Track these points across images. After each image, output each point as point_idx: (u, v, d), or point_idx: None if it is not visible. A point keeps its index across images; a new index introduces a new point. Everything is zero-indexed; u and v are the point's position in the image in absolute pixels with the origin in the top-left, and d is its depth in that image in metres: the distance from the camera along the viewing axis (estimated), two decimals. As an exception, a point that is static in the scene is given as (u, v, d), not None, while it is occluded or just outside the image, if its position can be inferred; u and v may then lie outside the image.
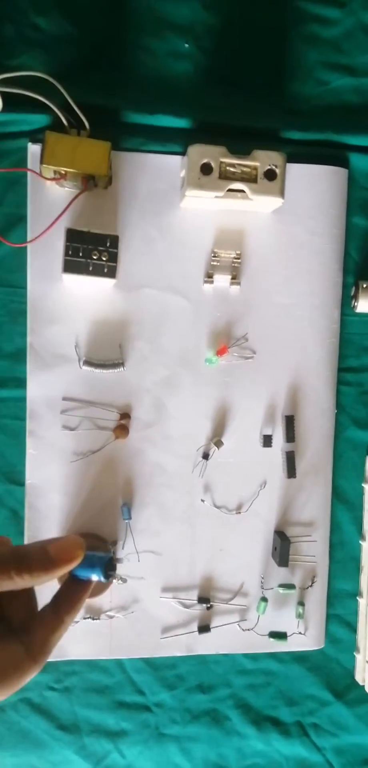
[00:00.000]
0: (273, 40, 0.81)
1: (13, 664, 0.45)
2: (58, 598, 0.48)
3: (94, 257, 0.73)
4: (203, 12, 0.79)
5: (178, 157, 0.77)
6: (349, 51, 0.82)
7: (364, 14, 0.83)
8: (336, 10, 0.82)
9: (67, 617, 0.48)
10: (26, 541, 0.76)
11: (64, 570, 0.45)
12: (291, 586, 0.81)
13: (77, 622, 0.78)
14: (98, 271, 0.73)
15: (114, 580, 0.77)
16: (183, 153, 0.77)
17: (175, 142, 0.77)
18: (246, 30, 0.81)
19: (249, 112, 0.79)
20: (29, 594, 0.49)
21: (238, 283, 0.79)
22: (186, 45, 0.79)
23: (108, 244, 0.73)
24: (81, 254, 0.72)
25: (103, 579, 0.49)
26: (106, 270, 0.73)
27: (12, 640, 0.45)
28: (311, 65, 0.82)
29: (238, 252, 0.79)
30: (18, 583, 0.43)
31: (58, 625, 0.47)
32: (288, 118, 0.80)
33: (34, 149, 0.74)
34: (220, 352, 0.79)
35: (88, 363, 0.77)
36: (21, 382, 0.76)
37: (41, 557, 0.44)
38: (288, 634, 0.82)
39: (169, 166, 0.78)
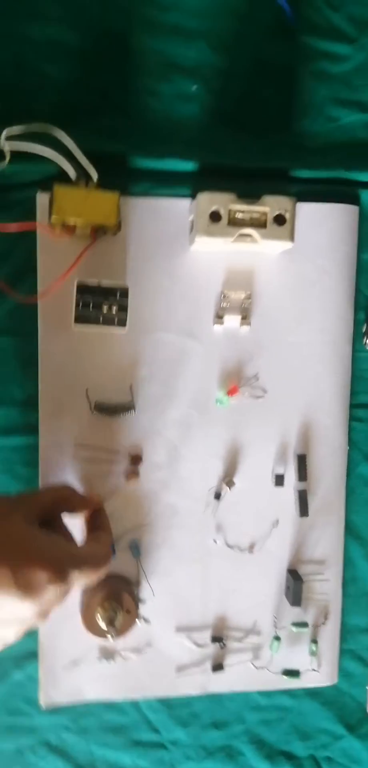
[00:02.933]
0: (281, 78, 0.76)
1: (97, 554, 0.63)
2: (96, 523, 0.70)
3: (105, 309, 0.69)
4: (210, 53, 0.74)
5: (186, 201, 0.73)
6: (360, 87, 0.77)
7: (375, 49, 0.78)
8: (346, 46, 0.76)
9: (107, 531, 0.70)
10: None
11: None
12: (304, 625, 0.78)
13: (92, 664, 0.75)
14: (109, 321, 0.70)
15: (136, 620, 0.74)
16: (192, 196, 0.72)
17: (184, 185, 0.73)
18: (255, 69, 0.75)
19: (258, 153, 0.74)
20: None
21: (249, 323, 0.74)
22: (194, 87, 0.74)
23: (118, 296, 0.69)
24: (91, 306, 0.69)
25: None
26: (116, 320, 0.70)
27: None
28: (321, 102, 0.76)
29: (248, 292, 0.74)
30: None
31: (106, 535, 0.69)
32: (298, 157, 0.75)
33: (42, 199, 0.69)
34: (231, 392, 0.74)
35: (99, 408, 0.73)
36: (33, 429, 0.72)
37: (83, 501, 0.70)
38: (301, 671, 0.79)
39: (178, 209, 0.73)
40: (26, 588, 0.51)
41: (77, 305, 0.69)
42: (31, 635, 0.73)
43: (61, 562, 0.55)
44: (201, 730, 0.80)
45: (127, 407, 0.73)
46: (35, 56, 0.71)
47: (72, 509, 0.67)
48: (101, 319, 0.69)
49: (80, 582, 0.58)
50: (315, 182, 0.75)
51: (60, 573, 0.54)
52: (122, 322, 0.70)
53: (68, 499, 0.67)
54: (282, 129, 0.76)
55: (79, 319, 0.69)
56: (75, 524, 0.67)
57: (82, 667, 0.75)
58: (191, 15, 0.74)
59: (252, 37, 0.75)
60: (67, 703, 0.75)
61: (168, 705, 0.79)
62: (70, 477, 0.73)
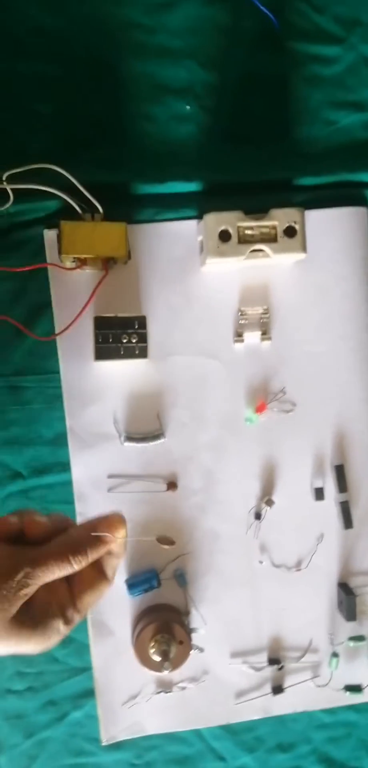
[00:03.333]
0: (275, 87, 0.75)
1: (101, 593, 0.53)
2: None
3: (124, 340, 0.70)
4: (201, 71, 0.74)
5: (193, 222, 0.73)
6: (354, 87, 0.75)
7: (364, 47, 0.76)
8: (335, 47, 0.75)
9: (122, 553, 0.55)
10: (89, 624, 0.73)
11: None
12: (361, 638, 0.75)
13: (150, 698, 0.74)
14: (130, 354, 0.70)
15: (191, 651, 0.73)
16: (198, 216, 0.72)
17: (189, 206, 0.73)
18: (247, 82, 0.75)
19: (260, 165, 0.74)
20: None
21: (269, 338, 0.73)
22: (188, 107, 0.74)
23: (136, 326, 0.70)
24: (111, 340, 0.69)
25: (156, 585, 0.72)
26: (137, 352, 0.70)
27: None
28: (317, 107, 0.75)
29: (265, 307, 0.73)
30: (76, 568, 0.50)
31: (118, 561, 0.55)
32: (300, 165, 0.74)
33: (50, 235, 0.70)
34: (259, 409, 0.73)
35: (128, 438, 0.73)
36: (65, 466, 0.73)
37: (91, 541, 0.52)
38: (363, 686, 0.76)
39: (186, 231, 0.73)
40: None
41: (97, 340, 0.69)
42: (86, 673, 0.74)
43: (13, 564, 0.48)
44: (267, 754, 0.78)
45: (157, 435, 0.73)
46: (25, 94, 0.72)
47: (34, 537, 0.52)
48: (122, 352, 0.70)
49: (47, 576, 0.49)
50: (320, 188, 0.74)
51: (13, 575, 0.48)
52: (143, 353, 0.70)
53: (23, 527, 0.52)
54: (281, 139, 0.75)
55: (100, 354, 0.69)
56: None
57: (140, 701, 0.74)
58: (177, 35, 0.74)
59: (241, 49, 0.75)
60: (128, 738, 0.75)
61: (231, 731, 0.77)
62: (107, 509, 0.72)
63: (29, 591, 0.48)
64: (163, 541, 0.67)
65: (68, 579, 0.51)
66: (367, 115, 0.76)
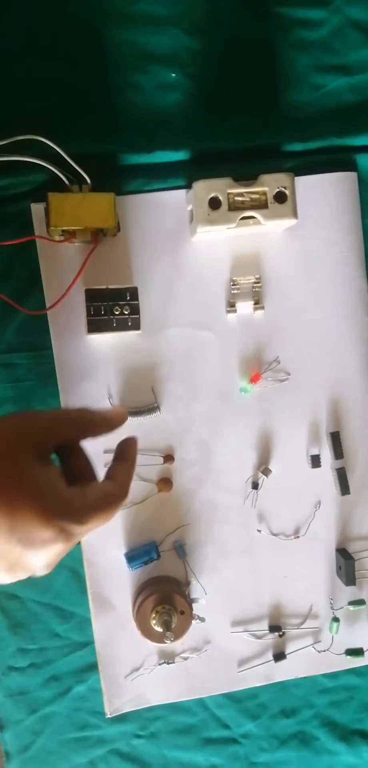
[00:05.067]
0: (260, 53, 0.73)
1: (112, 496, 0.51)
2: (120, 449, 0.57)
3: (116, 312, 0.67)
4: (185, 38, 0.72)
5: (182, 191, 0.70)
6: (340, 50, 0.73)
7: (350, 9, 0.73)
8: (320, 11, 0.73)
9: (133, 460, 0.56)
10: (90, 598, 0.71)
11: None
12: (361, 602, 0.74)
13: (153, 668, 0.73)
14: (122, 326, 0.68)
15: (192, 620, 0.72)
16: (187, 186, 0.70)
17: (177, 176, 0.70)
18: (232, 48, 0.72)
19: (248, 132, 0.71)
20: (86, 454, 0.56)
21: (262, 308, 0.71)
22: (173, 75, 0.72)
23: (128, 297, 0.68)
24: (103, 312, 0.67)
25: (155, 557, 0.71)
26: (130, 323, 0.68)
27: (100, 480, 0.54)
28: (304, 71, 0.73)
29: (257, 276, 0.71)
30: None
31: (128, 466, 0.56)
32: (289, 131, 0.72)
33: (37, 209, 0.68)
34: (254, 380, 0.71)
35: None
36: (60, 444, 0.71)
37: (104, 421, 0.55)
38: (364, 649, 0.75)
39: (175, 201, 0.70)
40: (26, 543, 0.46)
41: (88, 312, 0.67)
42: (88, 648, 0.73)
43: (65, 519, 0.47)
44: (271, 720, 0.77)
45: (152, 408, 0.71)
46: (8, 65, 0.70)
47: (93, 434, 0.55)
48: (114, 324, 0.68)
49: (86, 533, 0.51)
50: (309, 154, 0.72)
51: (63, 533, 0.47)
52: (136, 325, 0.68)
53: (87, 424, 0.55)
54: (269, 105, 0.73)
55: (92, 327, 0.67)
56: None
57: (143, 673, 0.73)
58: (161, 2, 0.71)
59: (225, 15, 0.72)
60: (132, 710, 0.74)
61: (235, 699, 0.76)
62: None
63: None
64: (167, 459, 0.71)
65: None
66: (354, 79, 0.74)
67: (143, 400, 0.71)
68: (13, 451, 0.47)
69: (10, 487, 0.46)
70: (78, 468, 0.53)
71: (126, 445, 0.58)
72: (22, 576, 0.49)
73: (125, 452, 0.57)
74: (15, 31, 0.70)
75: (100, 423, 0.56)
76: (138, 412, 0.71)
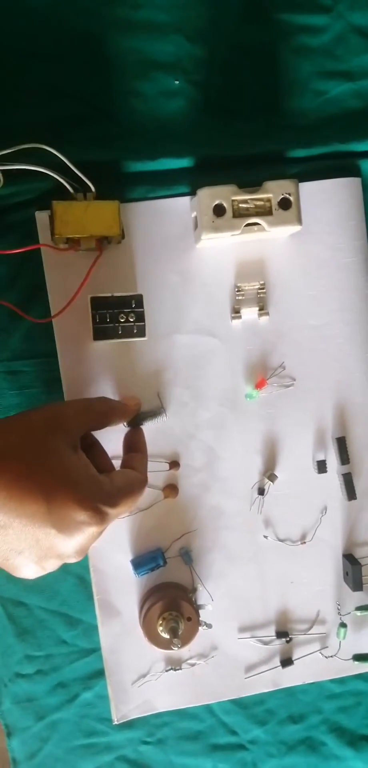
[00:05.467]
0: (263, 59, 0.72)
1: (136, 481, 0.58)
2: (131, 444, 0.64)
3: (122, 320, 0.67)
4: (188, 45, 0.71)
5: (186, 198, 0.70)
6: (343, 56, 0.72)
7: (352, 15, 0.73)
8: (323, 17, 0.72)
9: (145, 450, 0.64)
10: (97, 605, 0.71)
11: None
12: (368, 608, 0.74)
13: (160, 674, 0.73)
14: (128, 333, 0.68)
15: (199, 627, 0.71)
16: (191, 193, 0.69)
17: (182, 183, 0.70)
18: (235, 55, 0.72)
19: (251, 139, 0.71)
20: (101, 447, 0.61)
21: (267, 314, 0.71)
22: (177, 82, 0.71)
23: (133, 305, 0.67)
24: (108, 320, 0.67)
25: (162, 563, 0.71)
26: (135, 330, 0.68)
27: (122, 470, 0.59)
28: (306, 77, 0.72)
29: (262, 282, 0.71)
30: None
31: (142, 456, 0.63)
32: (292, 137, 0.71)
33: (41, 217, 0.68)
34: (259, 385, 0.71)
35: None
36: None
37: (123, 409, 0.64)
38: (372, 654, 0.74)
39: (180, 208, 0.70)
40: (61, 527, 0.48)
41: (94, 320, 0.67)
42: (95, 654, 0.72)
43: (99, 502, 0.50)
44: (279, 726, 0.76)
45: (157, 413, 0.70)
46: (11, 73, 0.69)
47: (114, 420, 0.61)
48: (120, 331, 0.67)
49: (117, 516, 0.53)
50: (313, 160, 0.71)
51: (98, 515, 0.50)
52: (141, 332, 0.68)
53: (107, 414, 0.61)
54: (272, 111, 0.73)
55: (98, 335, 0.67)
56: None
57: (150, 679, 0.73)
58: (163, 9, 0.71)
59: (228, 22, 0.72)
60: (139, 716, 0.73)
61: (242, 705, 0.75)
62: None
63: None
64: (173, 465, 0.71)
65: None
66: (357, 84, 0.73)
67: (149, 406, 0.70)
68: (47, 439, 0.50)
69: (47, 473, 0.48)
70: (99, 460, 0.57)
71: (135, 437, 0.64)
72: (51, 567, 0.52)
73: (135, 444, 0.63)
74: (18, 39, 0.70)
75: (119, 409, 0.62)
76: (143, 417, 0.70)
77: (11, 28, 0.70)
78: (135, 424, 0.67)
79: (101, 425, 0.59)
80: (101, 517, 0.50)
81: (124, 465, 0.60)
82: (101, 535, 0.52)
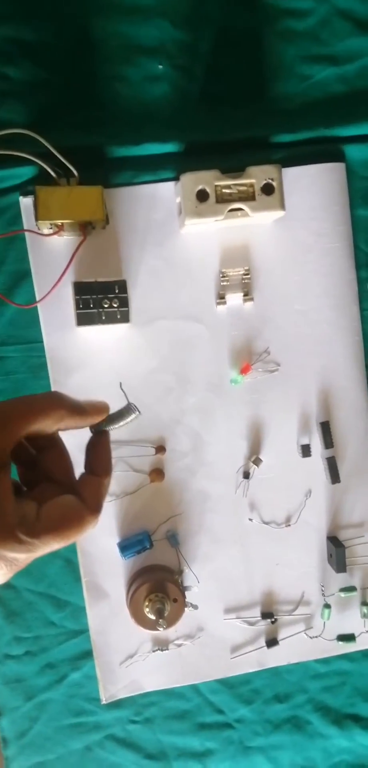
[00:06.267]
0: (248, 44, 0.71)
1: (73, 513, 0.43)
2: (91, 461, 0.48)
3: (105, 305, 0.67)
4: (172, 29, 0.70)
5: (171, 184, 0.69)
6: (328, 40, 0.72)
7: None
8: (307, 0, 0.71)
9: (106, 473, 0.47)
10: (84, 587, 0.71)
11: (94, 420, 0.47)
12: (352, 589, 0.73)
13: (147, 655, 0.73)
14: (111, 319, 0.67)
15: (185, 608, 0.72)
16: (176, 178, 0.69)
17: (166, 168, 0.69)
18: (219, 39, 0.71)
19: (236, 124, 0.70)
20: (64, 452, 0.48)
21: (251, 299, 0.71)
22: (160, 66, 0.70)
23: (117, 290, 0.67)
24: (92, 305, 0.66)
25: (148, 546, 0.71)
26: (119, 316, 0.67)
27: (65, 493, 0.44)
28: (291, 62, 0.72)
29: (247, 268, 0.70)
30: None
31: (100, 481, 0.46)
32: (277, 122, 0.71)
33: (26, 202, 0.67)
34: (244, 371, 0.71)
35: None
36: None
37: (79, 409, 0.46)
38: (356, 635, 0.74)
39: (164, 193, 0.70)
40: None
41: (77, 306, 0.66)
42: (83, 636, 0.72)
43: (6, 548, 0.40)
44: (264, 705, 0.77)
45: (126, 414, 0.50)
46: None
47: (60, 424, 0.45)
48: (103, 317, 0.67)
49: (41, 555, 0.43)
50: (297, 145, 0.71)
51: (10, 544, 0.40)
52: (125, 318, 0.68)
53: (53, 413, 0.44)
54: (256, 96, 0.72)
55: (82, 320, 0.67)
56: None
57: (137, 660, 0.73)
58: None
59: (212, 6, 0.71)
60: (127, 696, 0.74)
61: (228, 685, 0.76)
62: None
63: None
64: (159, 450, 0.70)
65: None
66: (342, 69, 0.72)
67: (132, 393, 0.69)
68: None
69: None
70: (54, 467, 0.46)
71: (96, 452, 0.48)
72: None
73: (95, 460, 0.48)
74: (1, 25, 0.69)
75: (74, 409, 0.46)
76: (110, 419, 0.50)
77: None
78: (100, 428, 0.49)
79: (47, 428, 0.44)
80: (13, 563, 0.41)
81: (76, 486, 0.47)
82: (26, 563, 0.43)
